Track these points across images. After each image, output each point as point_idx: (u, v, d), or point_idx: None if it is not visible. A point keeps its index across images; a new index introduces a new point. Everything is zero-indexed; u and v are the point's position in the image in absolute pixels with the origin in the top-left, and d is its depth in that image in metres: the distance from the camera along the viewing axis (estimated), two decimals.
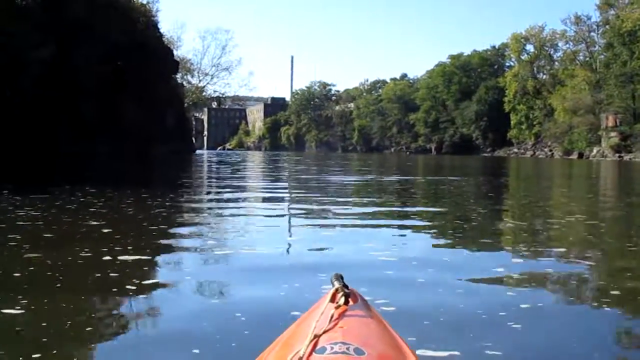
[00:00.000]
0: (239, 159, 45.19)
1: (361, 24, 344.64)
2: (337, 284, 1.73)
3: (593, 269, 4.52)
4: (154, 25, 60.14)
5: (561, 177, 24.04)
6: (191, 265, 4.39)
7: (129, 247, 4.82)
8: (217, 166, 30.32)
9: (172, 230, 6.21)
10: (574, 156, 76.42)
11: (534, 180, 20.06)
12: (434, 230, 6.78)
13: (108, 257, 4.39)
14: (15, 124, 29.65)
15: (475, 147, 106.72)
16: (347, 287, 1.73)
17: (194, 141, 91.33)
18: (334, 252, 4.95)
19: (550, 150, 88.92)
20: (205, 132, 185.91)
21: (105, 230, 5.78)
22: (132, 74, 48.10)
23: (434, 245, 5.51)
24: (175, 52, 73.20)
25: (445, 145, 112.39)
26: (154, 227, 6.19)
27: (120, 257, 4.39)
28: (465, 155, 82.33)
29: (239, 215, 7.92)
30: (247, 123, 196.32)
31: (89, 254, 4.52)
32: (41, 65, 31.57)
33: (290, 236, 6.05)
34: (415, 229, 6.69)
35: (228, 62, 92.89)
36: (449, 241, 5.84)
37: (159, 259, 4.64)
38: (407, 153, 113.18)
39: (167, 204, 9.02)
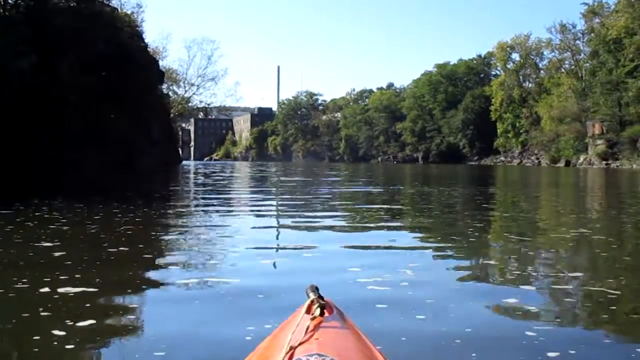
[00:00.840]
0: (220, 170, 44.66)
1: (347, 33, 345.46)
2: (312, 296, 1.71)
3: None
4: (139, 36, 59.56)
5: (552, 186, 23.70)
6: (148, 305, 3.75)
7: (76, 276, 4.28)
8: (201, 177, 29.84)
9: (133, 255, 5.43)
10: (561, 164, 76.48)
11: (524, 190, 19.59)
12: (426, 251, 6.10)
13: (46, 289, 3.86)
14: None
15: (462, 155, 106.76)
16: (322, 298, 1.71)
17: (180, 152, 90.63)
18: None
19: (537, 159, 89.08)
20: (192, 143, 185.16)
21: (57, 254, 5.21)
22: (117, 84, 47.49)
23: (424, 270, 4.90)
24: (160, 63, 72.56)
25: (432, 154, 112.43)
26: (114, 250, 5.58)
27: (60, 290, 3.85)
28: (453, 164, 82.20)
29: (216, 234, 7.14)
30: (233, 133, 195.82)
31: (26, 285, 4.00)
32: (22, 76, 30.93)
33: (275, 266, 5.11)
34: (405, 249, 6.10)
35: (214, 72, 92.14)
36: (445, 266, 5.15)
37: (108, 293, 3.94)
38: (394, 162, 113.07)
39: (138, 219, 8.44)
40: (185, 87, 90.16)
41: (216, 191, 17.28)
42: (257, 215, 9.99)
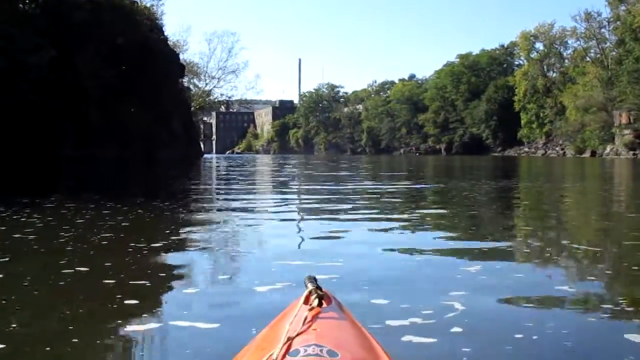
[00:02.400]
0: (242, 163, 44.32)
1: (368, 25, 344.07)
2: (310, 286, 1.70)
3: None
4: (159, 29, 59.51)
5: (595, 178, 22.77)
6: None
7: None
8: (220, 170, 29.46)
9: (89, 280, 4.06)
10: (587, 154, 75.34)
11: (562, 184, 18.34)
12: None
13: None
14: (13, 129, 28.92)
15: (485, 147, 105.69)
16: (320, 289, 1.70)
17: (201, 145, 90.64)
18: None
19: (562, 149, 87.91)
20: (214, 136, 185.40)
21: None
22: (137, 77, 47.45)
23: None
24: (181, 56, 72.56)
25: (455, 145, 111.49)
26: (68, 272, 4.18)
27: None
28: (476, 156, 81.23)
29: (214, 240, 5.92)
30: (255, 126, 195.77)
31: None
32: (40, 70, 30.83)
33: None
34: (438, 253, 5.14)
35: (235, 65, 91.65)
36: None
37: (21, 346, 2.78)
38: (417, 154, 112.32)
39: (124, 224, 7.03)
40: (206, 80, 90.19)
41: (234, 184, 16.76)
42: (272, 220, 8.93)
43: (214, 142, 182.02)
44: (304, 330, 1.45)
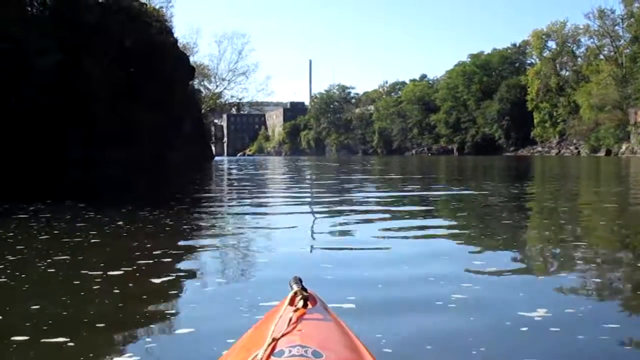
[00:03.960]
0: (251, 166, 43.92)
1: (379, 25, 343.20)
2: (295, 287, 1.71)
3: None
4: (168, 31, 59.05)
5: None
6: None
7: None
8: (228, 173, 29.03)
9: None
10: (602, 153, 74.47)
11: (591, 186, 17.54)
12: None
13: None
14: (21, 132, 28.57)
15: (498, 146, 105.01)
16: (305, 290, 1.71)
17: (212, 147, 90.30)
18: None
19: (576, 148, 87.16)
20: (225, 139, 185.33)
21: None
22: (147, 80, 47.06)
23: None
24: (191, 58, 72.14)
25: (468, 145, 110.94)
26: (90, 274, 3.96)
27: None
28: (489, 156, 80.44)
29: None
30: (266, 128, 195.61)
31: None
32: (48, 72, 30.47)
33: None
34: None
35: (245, 66, 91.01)
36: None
37: None
38: (429, 154, 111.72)
39: (92, 241, 6.00)
40: (216, 82, 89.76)
41: (237, 191, 16.27)
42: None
43: (225, 145, 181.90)
44: (289, 331, 1.44)
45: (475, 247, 5.66)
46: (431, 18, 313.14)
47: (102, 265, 4.58)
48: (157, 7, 56.63)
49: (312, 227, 7.23)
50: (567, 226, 7.42)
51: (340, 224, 7.48)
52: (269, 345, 1.36)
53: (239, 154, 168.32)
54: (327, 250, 5.52)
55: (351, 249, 5.55)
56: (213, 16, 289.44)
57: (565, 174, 24.19)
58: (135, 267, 4.52)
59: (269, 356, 1.33)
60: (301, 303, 1.64)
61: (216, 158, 79.17)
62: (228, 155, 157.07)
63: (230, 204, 11.77)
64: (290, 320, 1.51)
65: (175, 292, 3.93)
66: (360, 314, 3.16)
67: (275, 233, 6.78)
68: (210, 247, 5.67)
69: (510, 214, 8.77)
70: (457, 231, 7.03)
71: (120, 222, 7.35)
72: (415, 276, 4.16)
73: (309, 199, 12.11)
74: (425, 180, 19.09)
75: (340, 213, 9.00)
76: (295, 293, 1.68)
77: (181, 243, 5.91)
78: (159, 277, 4.17)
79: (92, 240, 6.02)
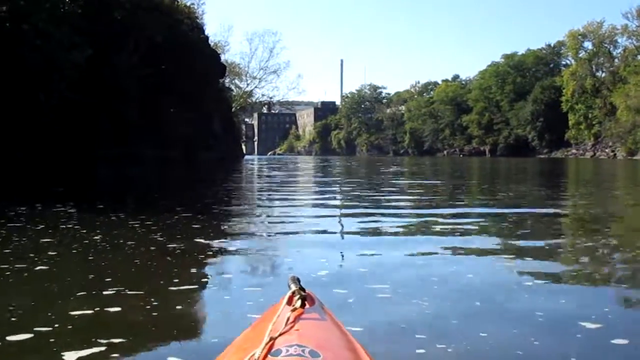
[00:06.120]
0: (278, 166, 43.45)
1: (411, 25, 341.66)
2: (293, 287, 1.71)
3: None
4: (199, 28, 58.92)
5: None
6: None
7: None
8: (256, 173, 28.58)
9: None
10: (639, 157, 72.80)
11: None
12: None
13: None
14: (50, 128, 28.42)
15: (531, 148, 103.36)
16: (303, 290, 1.71)
17: (243, 146, 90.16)
18: None
19: (612, 151, 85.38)
20: (256, 138, 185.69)
21: None
22: (177, 77, 46.90)
23: None
24: (222, 56, 71.96)
25: (500, 147, 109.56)
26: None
27: None
28: (522, 158, 78.94)
29: None
30: (297, 127, 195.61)
31: None
32: (77, 69, 30.28)
33: None
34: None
35: (276, 65, 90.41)
36: None
37: None
38: (461, 155, 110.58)
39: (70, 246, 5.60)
40: (247, 80, 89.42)
41: (260, 195, 15.70)
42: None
43: (255, 143, 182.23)
44: (287, 331, 1.45)
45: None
46: (464, 18, 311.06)
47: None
48: (188, 4, 56.47)
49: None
50: None
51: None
52: (266, 344, 1.35)
53: (269, 153, 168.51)
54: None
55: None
56: (245, 14, 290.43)
57: (630, 179, 22.55)
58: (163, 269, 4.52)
59: (266, 355, 1.32)
60: (299, 303, 1.63)
61: (246, 157, 78.97)
62: (258, 154, 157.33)
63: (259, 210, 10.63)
64: (288, 319, 1.50)
65: (200, 291, 3.97)
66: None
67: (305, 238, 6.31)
68: (240, 251, 5.61)
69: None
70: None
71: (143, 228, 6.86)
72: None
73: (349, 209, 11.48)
74: (485, 191, 15.25)
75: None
76: (293, 293, 1.68)
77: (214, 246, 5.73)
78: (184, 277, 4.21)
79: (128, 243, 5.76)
